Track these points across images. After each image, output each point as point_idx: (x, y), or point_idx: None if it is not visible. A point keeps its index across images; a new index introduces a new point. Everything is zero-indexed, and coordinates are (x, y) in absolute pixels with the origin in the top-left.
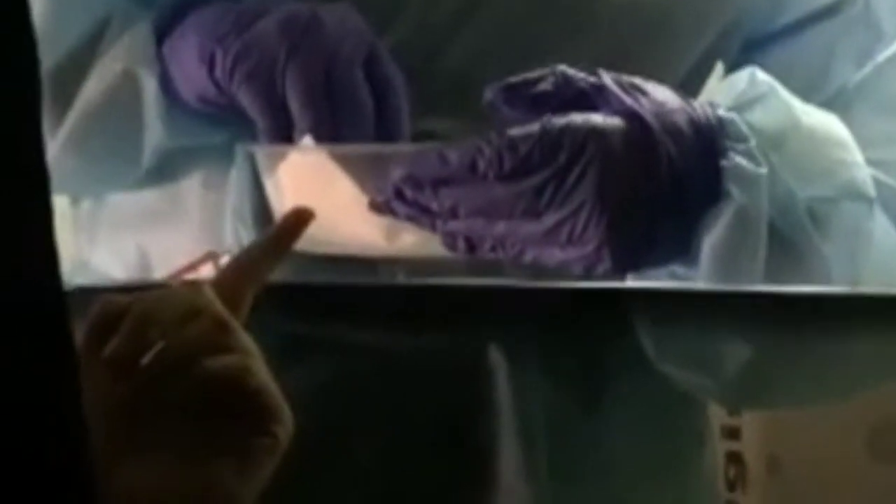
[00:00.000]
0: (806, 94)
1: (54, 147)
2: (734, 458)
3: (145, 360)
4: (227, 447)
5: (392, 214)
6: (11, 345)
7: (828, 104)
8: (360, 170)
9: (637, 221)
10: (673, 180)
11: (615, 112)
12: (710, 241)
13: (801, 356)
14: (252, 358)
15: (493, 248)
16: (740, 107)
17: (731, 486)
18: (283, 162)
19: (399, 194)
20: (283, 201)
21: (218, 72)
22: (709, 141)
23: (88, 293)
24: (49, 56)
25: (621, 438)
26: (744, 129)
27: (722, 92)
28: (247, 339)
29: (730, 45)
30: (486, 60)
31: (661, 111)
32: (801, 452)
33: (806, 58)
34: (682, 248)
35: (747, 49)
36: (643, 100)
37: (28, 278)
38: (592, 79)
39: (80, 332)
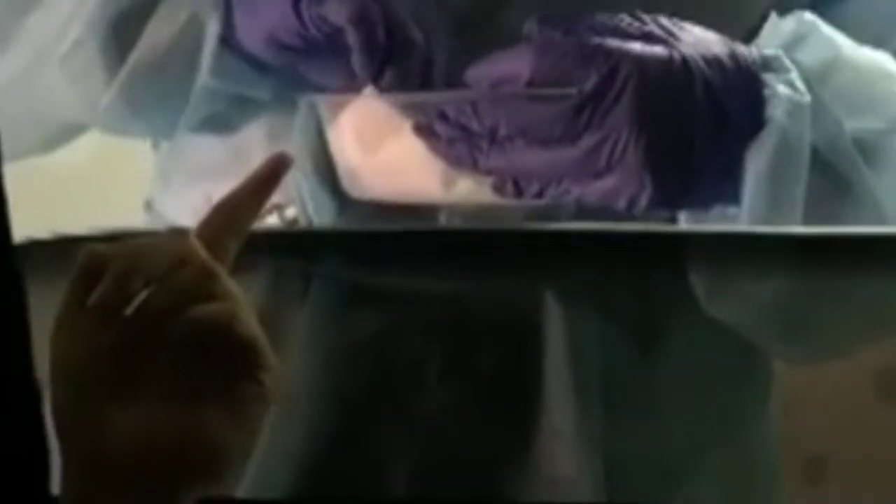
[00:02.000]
0: (879, 44)
1: (113, 91)
2: None
3: (131, 307)
4: (215, 394)
5: (434, 137)
6: None
7: None
8: (420, 118)
9: (677, 146)
10: (713, 107)
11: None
12: (754, 169)
13: (852, 299)
14: (239, 305)
15: (540, 192)
16: (786, 47)
17: None
18: (344, 112)
19: (442, 115)
20: (344, 151)
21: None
22: (750, 73)
23: (73, 242)
24: (113, 2)
25: (678, 385)
26: (787, 63)
27: (770, 37)
28: (233, 287)
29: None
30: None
31: (699, 43)
32: (810, 394)
33: (878, 7)
34: (728, 181)
35: (817, 2)
36: (682, 34)
37: None
38: (629, 19)
39: (66, 281)
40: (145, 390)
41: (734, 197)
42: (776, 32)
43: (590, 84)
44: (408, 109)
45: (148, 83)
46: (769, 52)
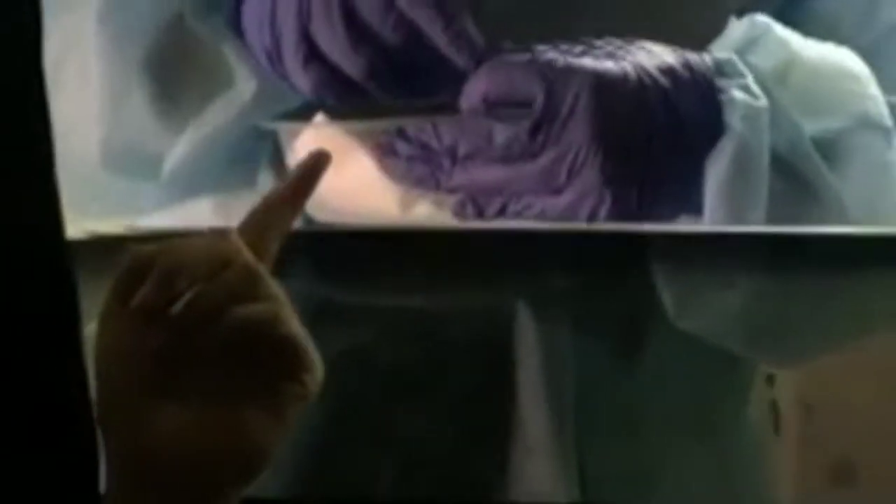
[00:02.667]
0: (855, 35)
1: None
2: (769, 406)
3: (175, 309)
4: (257, 394)
5: (395, 157)
6: (13, 293)
7: (876, 43)
8: (374, 143)
9: (634, 157)
10: (669, 117)
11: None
12: (714, 177)
13: (820, 300)
14: (282, 305)
15: (502, 209)
16: (739, 50)
17: None
18: (300, 137)
19: (403, 134)
20: None
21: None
22: (705, 79)
23: (113, 241)
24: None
25: (654, 392)
26: (741, 67)
27: (723, 41)
28: (276, 287)
29: None
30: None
31: (652, 54)
32: (835, 398)
33: (846, 3)
34: (688, 191)
35: (786, 2)
36: (633, 48)
37: (28, 225)
38: (582, 44)
39: (109, 281)
40: (188, 390)
41: (696, 206)
42: (729, 36)
43: (542, 100)
44: (363, 134)
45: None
46: (721, 56)
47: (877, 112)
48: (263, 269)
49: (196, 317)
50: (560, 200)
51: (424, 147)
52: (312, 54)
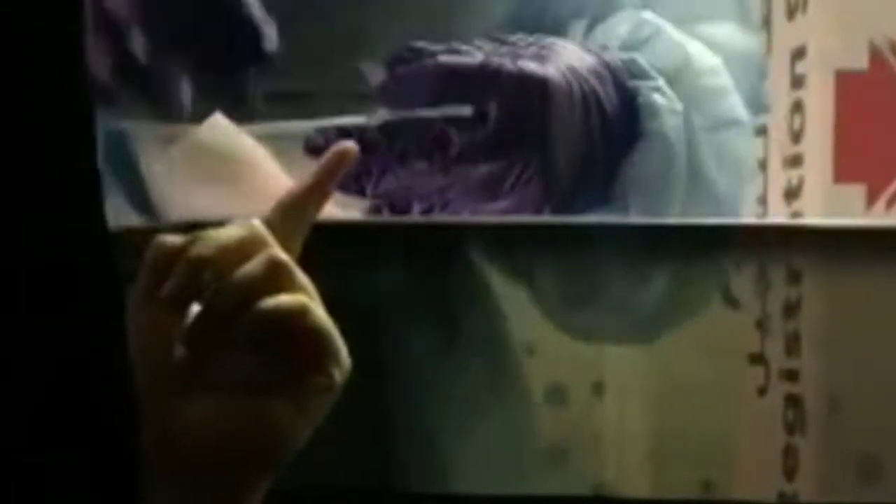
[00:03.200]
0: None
1: None
2: (793, 401)
3: (202, 300)
4: (284, 385)
5: (317, 156)
6: (56, 286)
7: None
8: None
9: (574, 165)
10: (600, 120)
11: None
12: (636, 177)
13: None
14: (309, 297)
15: (428, 211)
16: (630, 48)
17: (790, 429)
18: (178, 142)
19: (345, 134)
20: (174, 180)
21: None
22: (623, 82)
23: (142, 234)
24: None
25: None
26: (647, 68)
27: (604, 36)
28: (303, 279)
29: None
30: None
31: (572, 54)
32: (860, 393)
33: None
34: (609, 189)
35: None
36: (554, 48)
37: (70, 220)
38: (509, 44)
39: (135, 273)
40: (215, 381)
41: (617, 204)
42: (612, 32)
43: (496, 109)
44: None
45: None
46: (625, 56)
47: (731, 106)
48: (290, 261)
49: (224, 308)
50: (495, 206)
51: (367, 150)
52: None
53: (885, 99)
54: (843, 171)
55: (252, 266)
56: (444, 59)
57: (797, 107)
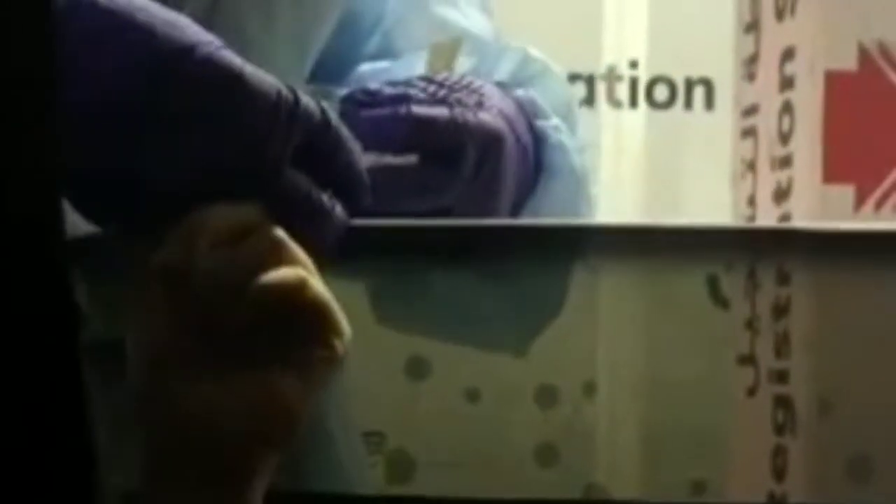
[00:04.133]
0: None
1: None
2: (783, 402)
3: (198, 274)
4: (287, 359)
5: None
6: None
7: None
8: None
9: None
10: (525, 163)
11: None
12: (534, 212)
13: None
14: (307, 271)
15: None
16: (516, 84)
17: (780, 430)
18: None
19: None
20: None
21: None
22: (530, 121)
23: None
24: None
25: None
26: (543, 107)
27: (481, 71)
28: (301, 255)
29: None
30: None
31: (500, 99)
32: (850, 394)
33: None
34: None
35: None
36: (480, 90)
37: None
38: (439, 85)
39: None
40: (219, 359)
41: None
42: (497, 67)
43: (471, 161)
44: None
45: None
46: (523, 93)
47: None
48: (286, 237)
49: (222, 285)
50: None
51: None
52: None
53: (875, 100)
54: (832, 172)
55: (250, 243)
56: (416, 110)
57: (786, 108)
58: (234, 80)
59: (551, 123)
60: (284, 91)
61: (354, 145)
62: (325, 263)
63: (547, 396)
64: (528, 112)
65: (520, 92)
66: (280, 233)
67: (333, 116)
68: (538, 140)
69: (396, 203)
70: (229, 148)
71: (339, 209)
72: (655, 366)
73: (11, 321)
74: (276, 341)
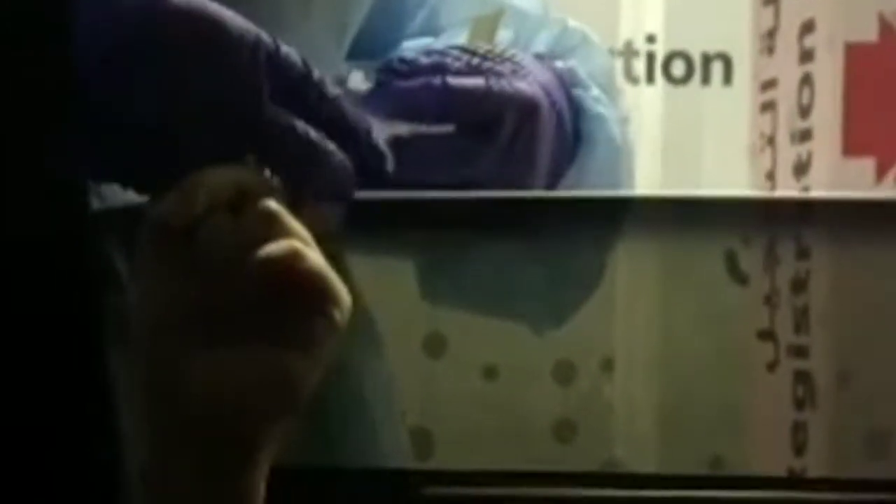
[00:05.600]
0: None
1: None
2: (802, 377)
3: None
4: (286, 331)
5: None
6: (37, 265)
7: None
8: None
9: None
10: (564, 133)
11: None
12: (572, 185)
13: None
14: (302, 242)
15: None
16: (557, 57)
17: (800, 405)
18: None
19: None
20: None
21: None
22: (569, 91)
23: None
24: None
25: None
26: (584, 77)
27: (515, 43)
28: (297, 226)
29: None
30: None
31: (539, 71)
32: (869, 369)
33: None
34: None
35: None
36: (526, 71)
37: (52, 200)
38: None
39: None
40: (217, 332)
41: None
42: (537, 38)
43: (508, 129)
44: None
45: None
46: (561, 65)
47: (626, 104)
48: (281, 208)
49: (218, 264)
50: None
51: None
52: None
53: (895, 72)
54: (852, 145)
55: (241, 221)
56: (452, 81)
57: (806, 81)
58: (213, 24)
59: (591, 94)
60: (265, 36)
61: (344, 102)
62: (330, 211)
63: (565, 373)
64: (567, 82)
65: (559, 63)
66: (273, 205)
67: (316, 72)
68: (577, 110)
69: (431, 173)
70: (214, 82)
71: (332, 147)
72: (673, 341)
73: (35, 297)
74: (275, 314)
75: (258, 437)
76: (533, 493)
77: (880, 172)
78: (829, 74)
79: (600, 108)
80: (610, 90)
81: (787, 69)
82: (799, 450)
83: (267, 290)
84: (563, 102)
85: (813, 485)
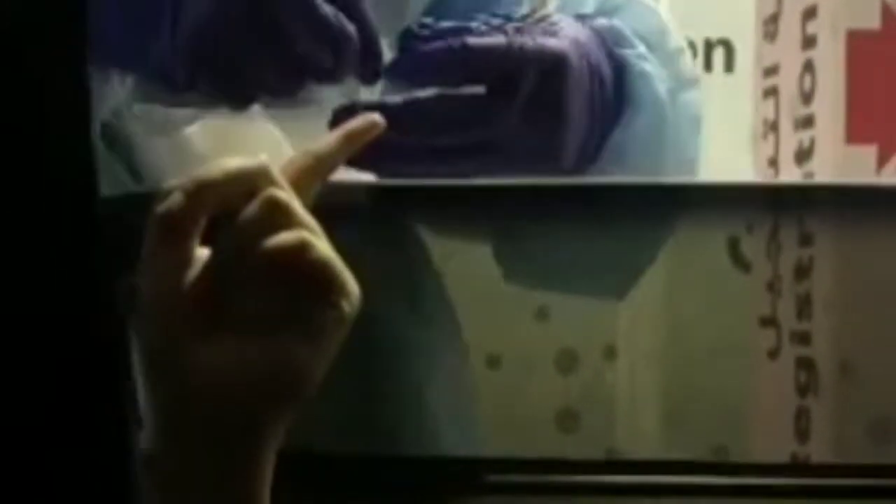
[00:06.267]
0: None
1: None
2: (805, 363)
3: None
4: (294, 322)
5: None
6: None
7: None
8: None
9: (580, 135)
10: (601, 92)
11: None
12: (623, 147)
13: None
14: (312, 233)
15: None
16: (605, 13)
17: (802, 391)
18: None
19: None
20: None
21: None
22: (610, 50)
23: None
24: None
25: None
26: (629, 35)
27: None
28: (307, 217)
29: None
30: None
31: (576, 29)
32: (872, 355)
33: None
34: (597, 159)
35: None
36: (558, 30)
37: (62, 186)
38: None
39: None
40: (229, 325)
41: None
42: (586, 1)
43: (529, 86)
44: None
45: None
46: (606, 21)
47: (690, 65)
48: (291, 198)
49: (226, 254)
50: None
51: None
52: None
53: None
54: (855, 131)
55: (252, 207)
56: (471, 40)
57: (808, 67)
58: None
59: (635, 52)
60: None
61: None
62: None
63: (567, 361)
64: (609, 40)
65: (601, 20)
66: (283, 196)
67: None
68: (620, 69)
69: (447, 133)
70: None
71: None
72: (676, 329)
73: (48, 284)
74: (284, 305)
75: (263, 425)
76: (537, 481)
77: (883, 159)
78: (831, 61)
79: (645, 66)
80: (661, 48)
81: (789, 55)
82: (802, 436)
83: (275, 280)
84: (602, 60)
85: (816, 471)
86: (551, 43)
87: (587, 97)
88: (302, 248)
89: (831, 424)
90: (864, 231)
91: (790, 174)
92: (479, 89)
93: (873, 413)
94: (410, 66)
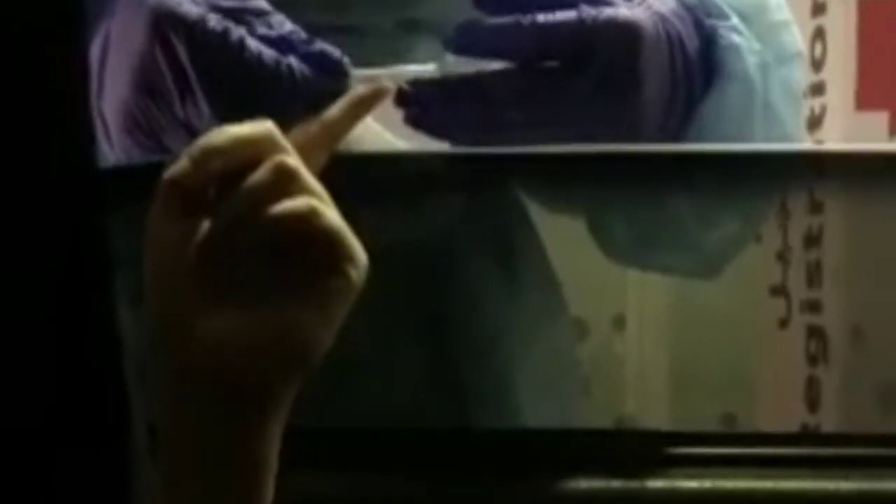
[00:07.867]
0: None
1: None
2: (815, 332)
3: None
4: (302, 290)
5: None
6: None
7: None
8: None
9: (659, 104)
10: (684, 62)
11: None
12: (711, 118)
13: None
14: (320, 200)
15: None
16: None
17: (813, 360)
18: None
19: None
20: None
21: None
22: (700, 20)
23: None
24: None
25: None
26: (724, 7)
27: None
28: (314, 184)
29: None
30: None
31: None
32: (882, 323)
33: None
34: (685, 130)
35: None
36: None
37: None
38: None
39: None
40: (233, 292)
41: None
42: None
43: (601, 62)
44: None
45: None
46: None
47: (793, 39)
48: (299, 165)
49: (233, 220)
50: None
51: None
52: None
53: None
54: (866, 98)
55: (259, 173)
56: (541, 17)
57: (818, 34)
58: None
59: (727, 23)
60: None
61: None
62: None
63: (577, 330)
64: (698, 11)
65: None
66: (291, 161)
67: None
68: (709, 40)
69: (525, 104)
70: None
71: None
72: (685, 298)
73: (46, 256)
74: (291, 273)
75: (270, 392)
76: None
77: (894, 126)
78: (841, 28)
79: (734, 38)
80: (757, 22)
81: (799, 23)
82: (812, 405)
83: (283, 247)
84: (686, 30)
85: (826, 440)
86: (621, 14)
87: (667, 68)
88: (310, 215)
89: (841, 394)
90: (875, 199)
91: (801, 142)
92: (551, 65)
93: (884, 382)
94: (477, 39)
